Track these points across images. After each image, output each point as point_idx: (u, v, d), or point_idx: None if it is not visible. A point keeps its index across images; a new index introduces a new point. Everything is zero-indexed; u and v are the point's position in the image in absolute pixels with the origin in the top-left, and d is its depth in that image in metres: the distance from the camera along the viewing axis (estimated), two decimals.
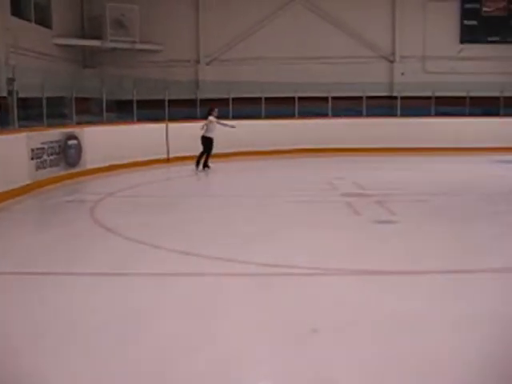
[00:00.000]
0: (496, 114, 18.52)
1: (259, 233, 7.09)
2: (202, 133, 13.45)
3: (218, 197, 10.43)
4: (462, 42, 19.88)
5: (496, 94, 18.63)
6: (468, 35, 19.92)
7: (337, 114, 17.89)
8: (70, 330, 4.07)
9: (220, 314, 4.37)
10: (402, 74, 19.65)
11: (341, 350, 3.72)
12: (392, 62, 19.96)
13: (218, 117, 13.80)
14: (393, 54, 19.95)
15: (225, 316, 4.33)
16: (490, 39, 19.90)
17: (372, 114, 18.05)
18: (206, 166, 13.72)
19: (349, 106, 18.05)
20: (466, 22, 19.97)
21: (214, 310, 4.47)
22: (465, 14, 19.92)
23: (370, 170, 13.85)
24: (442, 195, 10.18)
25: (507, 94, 18.89)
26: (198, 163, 13.66)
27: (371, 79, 18.80)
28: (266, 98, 17.81)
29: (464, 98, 18.37)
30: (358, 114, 17.92)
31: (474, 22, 19.95)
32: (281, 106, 17.57)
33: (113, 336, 3.94)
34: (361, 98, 18.14)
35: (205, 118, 13.74)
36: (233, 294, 4.84)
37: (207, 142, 13.55)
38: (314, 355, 3.66)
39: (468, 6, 19.90)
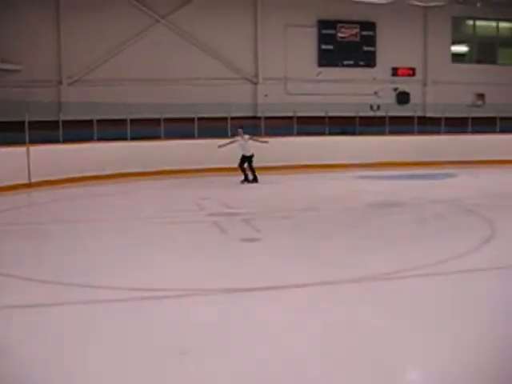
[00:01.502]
0: (353, 133, 19.66)
1: (126, 257, 6.96)
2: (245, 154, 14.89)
3: (81, 222, 9.87)
4: (320, 65, 20.99)
5: (352, 114, 19.80)
6: (325, 59, 21.09)
7: (202, 134, 18.08)
8: None
9: (91, 341, 4.27)
10: (266, 95, 20.36)
11: (210, 370, 3.78)
12: (255, 83, 20.61)
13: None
14: (256, 76, 20.60)
15: (95, 343, 4.24)
16: (345, 63, 21.18)
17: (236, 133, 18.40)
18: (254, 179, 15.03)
19: (215, 126, 18.30)
20: (323, 46, 21.13)
21: (84, 337, 4.36)
22: (322, 38, 21.07)
23: (236, 189, 14.12)
24: (304, 211, 10.60)
25: (362, 114, 20.15)
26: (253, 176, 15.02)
27: (236, 100, 19.25)
28: (132, 120, 17.56)
29: (323, 117, 19.31)
30: (223, 134, 18.19)
31: (331, 47, 21.15)
32: (147, 128, 17.42)
33: None
34: (226, 118, 18.46)
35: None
36: (102, 321, 4.74)
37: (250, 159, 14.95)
38: (184, 378, 3.70)
39: (325, 31, 21.08)
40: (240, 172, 15.15)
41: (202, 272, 6.24)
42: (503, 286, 5.71)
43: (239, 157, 15.10)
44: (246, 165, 15.05)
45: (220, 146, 14.96)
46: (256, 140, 15.26)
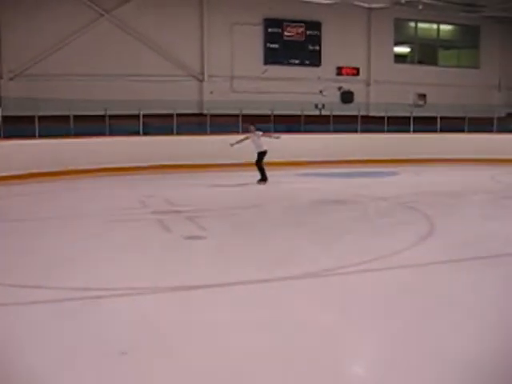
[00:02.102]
0: (297, 131, 19.85)
1: (67, 256, 6.83)
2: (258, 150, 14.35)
3: (20, 221, 9.48)
4: (266, 63, 21.11)
5: (297, 112, 20.00)
6: (271, 57, 21.22)
7: (148, 131, 17.91)
8: None
9: (27, 343, 4.19)
10: (211, 92, 20.35)
11: (149, 369, 3.77)
12: (201, 81, 20.55)
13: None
14: (202, 73, 20.54)
15: (31, 345, 4.16)
16: (290, 61, 21.37)
17: (183, 131, 18.36)
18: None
19: (161, 123, 18.16)
20: (269, 45, 21.24)
21: (19, 339, 4.27)
22: (268, 37, 21.19)
23: (180, 187, 14.04)
24: (249, 208, 10.67)
25: (307, 112, 20.38)
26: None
27: (182, 97, 19.15)
28: (76, 116, 17.19)
29: (269, 115, 19.43)
30: (169, 131, 18.08)
31: (277, 45, 21.30)
32: (91, 124, 17.11)
33: None
34: (171, 115, 18.33)
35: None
36: (38, 322, 4.65)
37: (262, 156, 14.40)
38: (124, 378, 3.68)
39: (271, 30, 21.21)
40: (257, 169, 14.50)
41: (144, 270, 6.19)
42: (440, 279, 5.90)
43: (253, 155, 14.53)
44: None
45: (232, 145, 14.53)
46: (269, 136, 14.85)
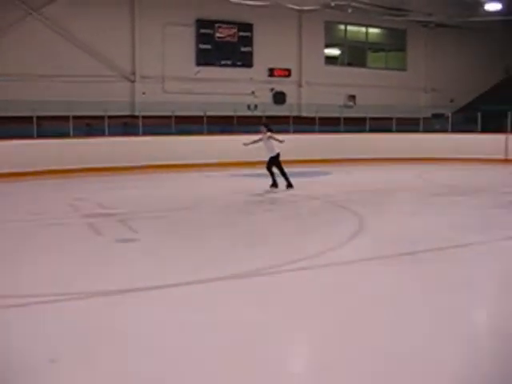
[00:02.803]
0: (230, 132, 19.90)
1: None
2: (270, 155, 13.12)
3: None
4: (198, 64, 21.07)
5: (230, 113, 20.06)
6: (203, 58, 21.19)
7: (77, 133, 17.53)
8: None
9: None
10: (143, 93, 20.14)
11: (81, 377, 3.74)
12: (133, 81, 20.30)
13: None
14: (133, 73, 20.29)
15: None
16: (222, 63, 21.41)
17: (114, 132, 18.07)
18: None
19: (91, 124, 17.83)
20: (201, 45, 21.21)
21: None
22: (200, 38, 21.15)
23: (112, 190, 13.80)
24: (181, 210, 10.63)
25: (240, 113, 20.48)
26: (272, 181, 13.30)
27: (113, 98, 18.85)
28: (1, 118, 16.62)
29: (201, 117, 19.40)
30: (100, 132, 17.74)
31: (209, 46, 21.28)
32: (19, 126, 16.57)
33: None
34: (102, 117, 18.01)
35: None
36: None
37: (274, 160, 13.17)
38: None
39: (203, 31, 21.18)
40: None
41: (74, 275, 6.10)
42: (367, 276, 6.07)
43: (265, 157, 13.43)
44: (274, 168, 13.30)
45: (246, 144, 13.66)
46: (275, 139, 13.09)
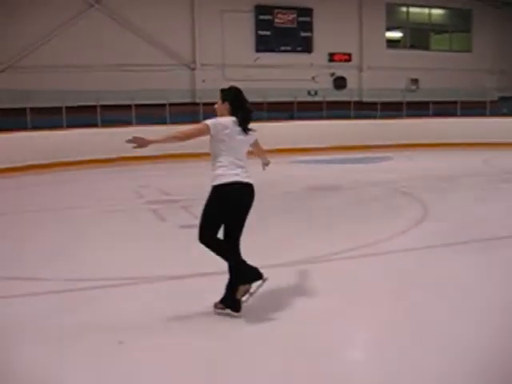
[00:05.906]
0: (291, 118, 19.82)
1: (64, 247, 6.84)
2: None
3: (11, 214, 9.38)
4: (258, 50, 21.00)
5: (290, 99, 19.96)
6: (263, 44, 21.06)
7: (140, 121, 17.82)
8: None
9: (27, 336, 4.20)
10: (203, 81, 20.24)
11: (150, 358, 3.80)
12: (193, 69, 20.45)
13: None
14: (194, 62, 20.43)
15: (30, 341, 4.17)
16: (282, 48, 21.27)
17: (175, 120, 18.27)
18: None
19: (152, 113, 18.09)
20: (260, 32, 21.10)
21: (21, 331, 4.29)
22: (259, 24, 21.04)
23: (174, 176, 13.99)
24: None
25: (300, 99, 20.35)
26: None
27: (174, 86, 19.06)
28: (67, 108, 17.11)
29: (262, 103, 19.37)
30: (161, 121, 17.98)
31: (268, 33, 21.16)
32: (83, 115, 17.02)
33: None
34: (164, 105, 18.24)
35: None
36: (38, 314, 4.66)
37: None
38: (124, 367, 3.71)
39: (262, 17, 21.05)
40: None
41: (139, 260, 6.21)
42: (433, 264, 5.93)
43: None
44: None
45: None
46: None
